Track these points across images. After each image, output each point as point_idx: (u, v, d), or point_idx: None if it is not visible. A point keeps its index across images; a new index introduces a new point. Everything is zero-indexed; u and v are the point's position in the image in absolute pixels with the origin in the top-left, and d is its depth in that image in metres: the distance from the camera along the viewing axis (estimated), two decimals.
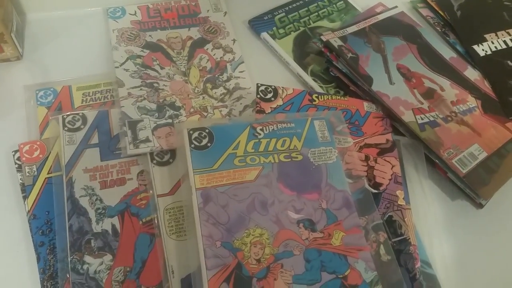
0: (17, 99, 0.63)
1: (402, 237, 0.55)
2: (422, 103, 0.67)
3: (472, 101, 0.69)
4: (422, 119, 0.65)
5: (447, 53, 0.75)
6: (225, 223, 0.51)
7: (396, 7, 0.80)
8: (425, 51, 0.74)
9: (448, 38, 0.79)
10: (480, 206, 0.62)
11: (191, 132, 0.57)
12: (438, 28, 0.81)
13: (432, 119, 0.65)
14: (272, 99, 0.64)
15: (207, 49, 0.72)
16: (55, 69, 0.67)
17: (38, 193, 0.54)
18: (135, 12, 0.74)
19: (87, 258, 0.50)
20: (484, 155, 0.63)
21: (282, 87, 0.65)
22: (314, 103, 0.65)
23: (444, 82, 0.71)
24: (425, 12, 0.84)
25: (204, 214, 0.51)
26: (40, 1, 0.72)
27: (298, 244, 0.51)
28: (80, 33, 0.72)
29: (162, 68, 0.68)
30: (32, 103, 0.62)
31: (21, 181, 0.55)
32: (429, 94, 0.69)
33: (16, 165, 0.56)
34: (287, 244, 0.51)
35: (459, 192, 0.63)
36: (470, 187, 0.60)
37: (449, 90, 0.70)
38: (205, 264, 0.48)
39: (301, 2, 0.81)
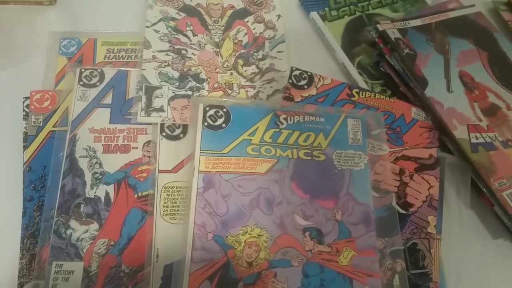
0: (41, 45, 0.60)
1: (423, 270, 0.48)
2: (480, 120, 0.57)
3: None
4: (476, 138, 0.56)
5: None
6: (223, 215, 0.46)
7: (473, 5, 0.69)
8: (497, 60, 0.63)
9: None
10: None
11: (207, 108, 0.52)
12: None
13: (488, 140, 0.56)
14: (305, 87, 0.57)
15: (248, 21, 0.65)
16: (86, 19, 0.64)
17: (39, 145, 0.51)
18: None
19: (73, 223, 0.47)
20: None
21: (320, 75, 0.58)
22: (352, 98, 0.57)
23: None
24: (508, 16, 0.72)
25: (201, 201, 0.46)
26: None
27: (299, 255, 0.45)
28: None
29: (194, 35, 0.63)
30: (54, 52, 0.59)
31: (25, 130, 0.52)
32: (491, 111, 0.58)
33: (24, 113, 0.53)
34: (286, 252, 0.45)
35: (503, 231, 0.54)
36: None
37: None
38: (190, 256, 0.43)
39: None
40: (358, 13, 0.68)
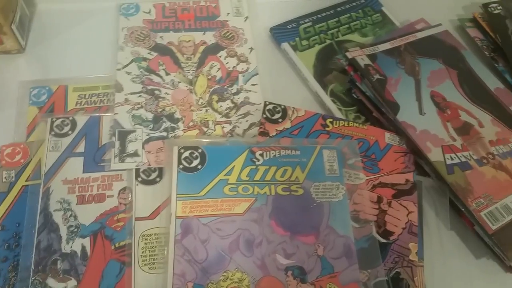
0: (11, 96, 0.59)
1: None
2: (454, 140, 0.58)
3: None
4: (452, 159, 0.56)
5: (493, 83, 0.65)
6: (202, 261, 0.45)
7: (440, 24, 0.71)
8: (467, 78, 0.64)
9: (496, 65, 0.69)
10: (510, 269, 0.52)
11: (181, 150, 0.52)
12: (486, 53, 0.71)
13: (463, 160, 0.56)
14: (280, 120, 0.57)
15: (220, 56, 0.66)
16: (56, 65, 0.63)
17: (12, 201, 0.50)
18: (150, 10, 0.69)
19: (50, 281, 0.46)
20: None
21: (293, 108, 0.58)
22: (327, 128, 0.57)
23: (485, 116, 0.61)
24: (474, 32, 0.74)
25: (180, 248, 0.46)
26: None
27: None
28: (89, 29, 0.68)
29: (167, 74, 0.63)
30: (25, 102, 0.58)
31: None
32: (464, 130, 0.59)
33: None
34: None
35: (486, 250, 0.54)
36: (499, 247, 0.51)
37: (489, 126, 0.60)
38: None
39: (332, 11, 0.72)
40: (328, 41, 0.69)
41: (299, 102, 0.62)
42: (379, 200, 0.53)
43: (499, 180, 0.56)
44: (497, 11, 0.73)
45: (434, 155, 0.56)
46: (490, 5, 0.74)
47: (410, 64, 0.64)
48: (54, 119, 0.55)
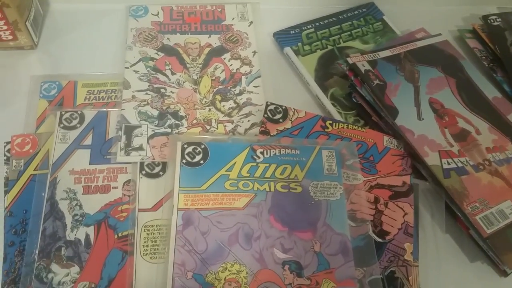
0: (23, 89, 0.61)
1: None
2: (451, 146, 0.59)
3: (511, 150, 0.61)
4: (448, 163, 0.57)
5: (491, 92, 0.67)
6: (202, 252, 0.47)
7: (439, 34, 0.72)
8: (465, 86, 0.66)
9: (495, 75, 0.71)
10: (504, 274, 0.53)
11: (185, 146, 0.53)
12: (484, 63, 0.73)
13: (460, 165, 0.58)
14: (281, 120, 0.59)
15: (225, 58, 0.68)
16: (67, 62, 0.66)
17: (20, 189, 0.52)
18: (158, 12, 0.72)
19: (54, 267, 0.47)
20: None
21: (294, 109, 0.60)
22: (326, 130, 0.59)
23: (482, 124, 0.62)
24: (473, 43, 0.76)
25: (181, 239, 0.47)
26: None
27: None
28: (99, 29, 0.70)
29: (173, 73, 0.65)
30: (35, 95, 0.60)
31: (6, 175, 0.53)
32: (461, 136, 0.61)
33: (5, 157, 0.54)
34: (266, 287, 0.46)
35: (480, 254, 0.55)
36: (494, 251, 0.52)
37: (486, 134, 0.61)
38: None
39: (334, 18, 0.75)
40: (330, 47, 0.71)
41: (300, 104, 0.64)
42: (376, 200, 0.54)
43: (495, 186, 0.57)
44: (496, 23, 0.75)
45: (431, 159, 0.57)
46: (490, 17, 0.76)
47: (410, 71, 0.65)
48: (63, 112, 0.57)
